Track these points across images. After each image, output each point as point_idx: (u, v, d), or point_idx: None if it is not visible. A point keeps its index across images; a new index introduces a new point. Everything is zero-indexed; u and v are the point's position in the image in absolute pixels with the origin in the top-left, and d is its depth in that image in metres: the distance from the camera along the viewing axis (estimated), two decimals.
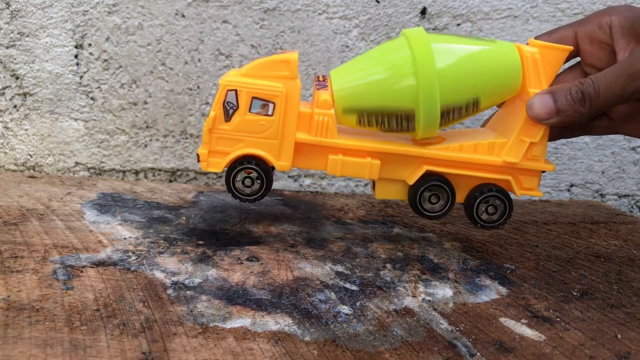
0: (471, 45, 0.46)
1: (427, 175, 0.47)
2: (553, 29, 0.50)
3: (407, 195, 0.48)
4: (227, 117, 0.45)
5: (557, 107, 0.44)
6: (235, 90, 0.45)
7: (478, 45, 0.46)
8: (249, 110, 0.45)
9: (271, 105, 0.45)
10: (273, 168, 0.47)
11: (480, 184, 0.48)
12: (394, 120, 0.46)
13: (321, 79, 0.49)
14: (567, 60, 0.49)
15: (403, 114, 0.45)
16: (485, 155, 0.47)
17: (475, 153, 0.47)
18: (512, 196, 0.48)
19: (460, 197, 0.48)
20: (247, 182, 0.47)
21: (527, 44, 0.47)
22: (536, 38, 0.48)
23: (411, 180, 0.47)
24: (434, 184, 0.47)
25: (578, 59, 0.50)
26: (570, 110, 0.44)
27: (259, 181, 0.47)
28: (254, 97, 0.45)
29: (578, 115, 0.44)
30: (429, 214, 0.48)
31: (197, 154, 0.47)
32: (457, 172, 0.47)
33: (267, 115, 0.45)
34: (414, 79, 0.44)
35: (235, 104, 0.45)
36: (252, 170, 0.46)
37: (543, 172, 0.48)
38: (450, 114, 0.46)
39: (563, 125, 0.47)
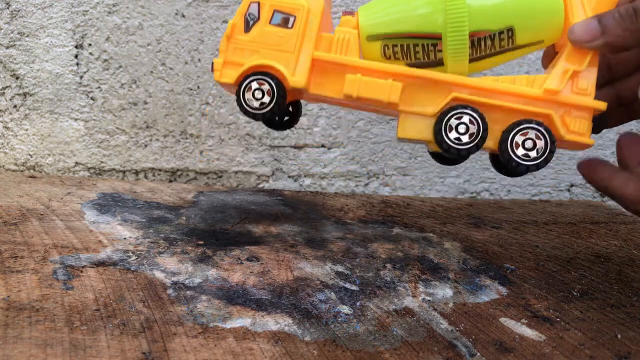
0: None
1: (457, 103, 0.43)
2: None
3: (431, 133, 0.44)
4: (247, 27, 0.45)
5: (603, 27, 0.40)
6: (258, 3, 0.44)
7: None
8: (270, 22, 0.45)
9: (292, 19, 0.45)
10: (285, 87, 0.45)
11: (516, 120, 0.42)
12: (420, 48, 0.43)
13: (349, 11, 0.48)
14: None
15: (429, 39, 0.42)
16: (524, 86, 0.42)
17: (512, 83, 0.43)
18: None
19: (494, 138, 0.43)
20: (258, 93, 0.45)
21: None
22: None
23: (436, 108, 0.43)
24: (462, 111, 0.42)
25: None
26: (618, 29, 0.39)
27: (270, 94, 0.45)
28: (275, 10, 0.45)
29: (628, 34, 0.39)
30: (455, 146, 0.42)
31: (212, 63, 0.46)
32: (490, 101, 0.42)
33: (287, 27, 0.45)
34: (440, 1, 0.42)
35: (257, 16, 0.45)
36: (264, 82, 0.45)
37: (594, 116, 0.42)
38: (482, 42, 0.42)
39: (610, 52, 0.42)
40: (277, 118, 0.51)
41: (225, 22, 0.67)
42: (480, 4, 0.42)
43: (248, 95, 0.45)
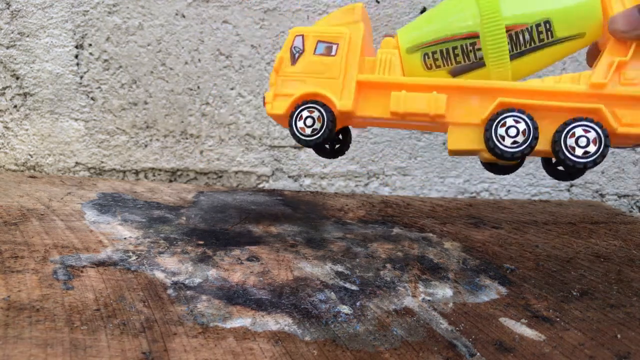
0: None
1: (502, 110, 0.42)
2: None
3: (482, 142, 0.43)
4: (293, 60, 0.47)
5: None
6: (302, 35, 0.47)
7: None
8: (314, 53, 0.47)
9: (334, 47, 0.46)
10: (334, 114, 0.46)
11: (567, 120, 0.41)
12: (459, 50, 0.43)
13: (389, 34, 0.50)
14: None
15: (467, 39, 0.42)
16: (569, 83, 0.42)
17: (557, 83, 0.42)
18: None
19: (546, 141, 0.42)
20: (309, 121, 0.47)
21: None
22: None
23: (483, 114, 0.43)
24: (509, 115, 0.42)
25: None
26: None
27: (320, 120, 0.47)
28: (319, 41, 0.47)
29: None
30: (508, 149, 0.42)
31: (264, 97, 0.48)
32: (536, 102, 0.42)
33: (331, 55, 0.46)
34: (474, 4, 0.42)
35: (302, 48, 0.47)
36: (314, 110, 0.47)
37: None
38: (520, 36, 0.42)
39: None
40: (328, 145, 0.52)
41: (226, 22, 0.67)
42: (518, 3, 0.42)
43: (300, 124, 0.47)
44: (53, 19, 0.65)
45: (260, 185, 0.72)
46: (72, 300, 0.37)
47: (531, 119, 0.42)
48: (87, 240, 0.47)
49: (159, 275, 0.42)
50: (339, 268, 0.46)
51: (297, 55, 0.47)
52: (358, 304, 0.41)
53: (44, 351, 0.32)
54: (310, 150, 0.72)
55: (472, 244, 0.53)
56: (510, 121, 0.42)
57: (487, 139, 0.42)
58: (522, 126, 0.42)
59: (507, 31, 0.42)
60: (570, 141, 0.41)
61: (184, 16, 0.66)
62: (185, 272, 0.43)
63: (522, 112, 0.42)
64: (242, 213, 0.56)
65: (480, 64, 0.43)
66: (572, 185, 0.75)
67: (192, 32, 0.67)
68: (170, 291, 0.40)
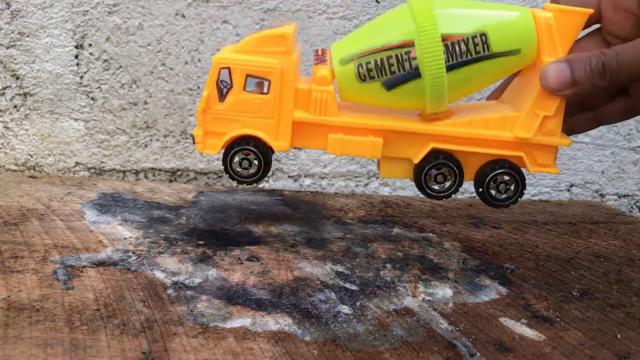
0: (480, 10, 0.43)
1: (434, 153, 0.45)
2: None
3: (413, 174, 0.46)
4: (221, 96, 0.44)
5: (574, 78, 0.41)
6: (229, 68, 0.43)
7: (487, 9, 0.43)
8: (244, 89, 0.44)
9: (266, 83, 0.43)
10: (272, 149, 0.46)
11: (491, 160, 0.46)
12: (394, 60, 0.42)
13: (320, 52, 0.47)
14: (588, 26, 0.45)
15: (402, 47, 0.42)
16: (496, 130, 0.44)
17: (485, 128, 0.45)
18: (526, 173, 0.46)
19: (470, 175, 0.46)
20: (245, 163, 0.45)
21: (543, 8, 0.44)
22: (556, 0, 0.45)
23: (416, 159, 0.45)
24: (440, 162, 0.45)
25: (598, 25, 0.46)
26: (587, 83, 0.41)
27: (256, 162, 0.45)
28: (248, 75, 0.43)
29: (595, 89, 0.41)
30: (435, 194, 0.46)
31: (192, 135, 0.45)
32: (466, 149, 0.45)
33: (263, 93, 0.44)
34: (410, 14, 0.42)
35: (229, 83, 0.44)
36: (249, 152, 0.45)
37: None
38: (456, 47, 0.42)
39: (577, 98, 0.44)
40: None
41: (226, 22, 0.67)
42: (449, 8, 0.42)
43: (236, 167, 0.46)
44: (53, 19, 0.65)
45: (260, 185, 0.72)
46: (72, 300, 0.37)
47: (459, 167, 0.45)
48: (87, 240, 0.47)
49: (159, 275, 0.42)
50: (339, 268, 0.46)
51: (225, 90, 0.44)
52: (358, 304, 0.41)
53: (44, 351, 0.32)
54: (311, 150, 0.72)
55: (472, 244, 0.53)
56: (440, 169, 0.46)
57: (417, 180, 0.46)
58: (450, 176, 0.46)
59: (443, 40, 0.42)
60: (491, 185, 0.46)
61: (184, 16, 0.66)
62: (185, 272, 0.43)
63: (452, 161, 0.45)
64: (242, 213, 0.56)
65: (415, 74, 0.42)
66: (572, 185, 0.76)
67: (192, 32, 0.67)
68: (170, 291, 0.40)
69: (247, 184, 0.47)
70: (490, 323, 0.39)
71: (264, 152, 0.45)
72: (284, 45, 0.43)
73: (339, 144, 0.45)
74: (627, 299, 0.44)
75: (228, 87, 0.44)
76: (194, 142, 0.45)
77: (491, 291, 0.44)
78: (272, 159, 0.46)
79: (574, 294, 0.45)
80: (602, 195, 0.76)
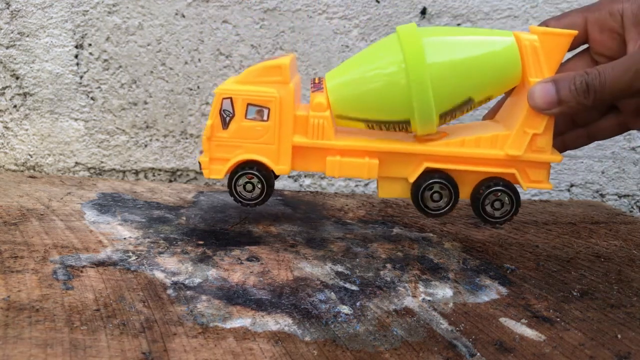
0: (465, 37, 0.45)
1: (429, 172, 0.47)
2: (563, 14, 0.48)
3: (410, 193, 0.48)
4: (225, 124, 0.46)
5: (559, 97, 0.43)
6: (231, 98, 0.46)
7: (472, 36, 0.45)
8: (245, 117, 0.46)
9: (266, 111, 0.46)
10: (273, 172, 0.48)
11: (485, 178, 0.47)
12: (391, 126, 0.46)
13: (317, 81, 0.49)
14: (576, 47, 0.47)
15: (399, 122, 0.46)
16: (488, 149, 0.46)
17: (477, 147, 0.46)
18: (520, 190, 0.47)
19: (465, 192, 0.48)
20: (249, 187, 0.48)
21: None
22: (545, 22, 0.47)
23: (412, 178, 0.47)
24: (435, 182, 0.47)
25: (586, 45, 0.48)
26: (573, 101, 0.42)
27: (259, 186, 0.48)
28: (249, 104, 0.46)
29: (581, 107, 0.42)
30: (432, 212, 0.48)
31: (199, 162, 0.48)
32: (459, 167, 0.46)
33: (263, 120, 0.46)
34: (406, 91, 0.44)
35: (232, 112, 0.46)
36: (252, 176, 0.47)
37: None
38: (447, 117, 0.46)
39: (565, 116, 0.45)
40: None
41: (226, 22, 0.67)
42: (443, 83, 0.44)
43: (240, 190, 0.48)
44: (53, 18, 0.65)
45: None
46: (71, 300, 0.37)
47: (454, 186, 0.47)
48: (86, 240, 0.47)
49: (159, 275, 0.42)
50: (339, 268, 0.46)
51: (227, 119, 0.46)
52: (358, 304, 0.41)
53: (43, 351, 0.32)
54: None
55: (472, 244, 0.53)
56: (434, 187, 0.47)
57: (414, 200, 0.47)
58: (445, 193, 0.47)
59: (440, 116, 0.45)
60: (487, 204, 0.47)
61: (183, 16, 0.66)
62: (185, 272, 0.43)
63: (449, 181, 0.47)
64: (242, 213, 0.56)
65: (409, 130, 0.47)
66: (572, 185, 0.75)
67: (192, 32, 0.67)
68: (170, 291, 0.40)
69: (250, 207, 0.49)
70: (490, 323, 0.39)
71: (266, 176, 0.48)
72: (281, 75, 0.46)
73: (337, 166, 0.47)
74: (628, 299, 0.44)
75: (230, 115, 0.46)
76: (200, 169, 0.48)
77: (491, 291, 0.44)
78: (274, 182, 0.49)
79: (574, 294, 0.45)
80: (602, 195, 0.76)
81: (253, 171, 0.47)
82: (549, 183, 0.47)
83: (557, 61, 0.45)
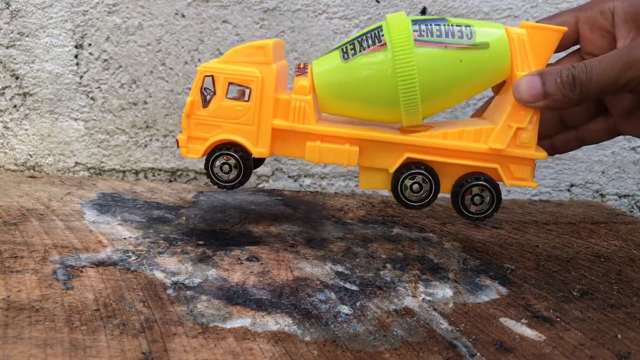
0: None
1: (409, 163, 0.46)
2: (554, 14, 0.48)
3: (390, 184, 0.47)
4: (205, 102, 0.46)
5: (545, 90, 0.42)
6: (212, 76, 0.45)
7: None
8: (226, 96, 0.45)
9: (247, 91, 0.45)
10: (251, 165, 0.47)
11: (467, 173, 0.46)
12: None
13: (302, 66, 0.49)
14: (567, 47, 0.47)
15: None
16: (471, 142, 0.45)
17: (460, 140, 0.46)
18: (504, 188, 0.47)
19: (446, 187, 0.47)
20: (225, 168, 0.47)
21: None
22: (537, 22, 0.47)
23: (392, 168, 0.46)
24: (415, 172, 0.46)
25: (578, 46, 0.48)
26: (559, 95, 0.42)
27: (237, 168, 0.47)
28: (230, 83, 0.45)
29: (566, 100, 0.42)
30: (411, 203, 0.47)
31: (177, 140, 0.47)
32: (440, 159, 0.46)
33: (244, 100, 0.45)
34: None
35: (213, 90, 0.45)
36: (230, 157, 0.47)
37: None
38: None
39: (550, 110, 0.45)
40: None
41: (226, 22, 0.67)
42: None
43: (217, 171, 0.47)
44: (53, 18, 0.65)
45: (260, 185, 0.72)
46: (71, 300, 0.37)
47: (435, 177, 0.46)
48: (86, 240, 0.47)
49: (159, 275, 0.42)
50: (339, 268, 0.46)
51: (208, 97, 0.46)
52: (358, 304, 0.41)
53: (43, 351, 0.32)
54: None
55: (472, 244, 0.53)
56: (415, 178, 0.46)
57: (393, 189, 0.47)
58: (425, 185, 0.46)
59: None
60: (467, 198, 0.46)
61: (183, 16, 0.66)
62: (185, 272, 0.43)
63: (428, 171, 0.46)
64: (242, 213, 0.56)
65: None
66: (572, 185, 0.75)
67: (191, 32, 0.67)
68: (170, 291, 0.40)
69: (227, 189, 0.48)
70: (490, 323, 0.39)
71: (244, 158, 0.47)
72: (264, 56, 0.45)
73: (316, 151, 0.46)
74: (628, 299, 0.44)
75: (211, 94, 0.46)
76: (178, 147, 0.47)
77: (491, 291, 0.44)
78: (252, 165, 0.48)
79: (574, 294, 0.45)
80: (602, 195, 0.76)
81: (230, 152, 0.46)
82: (533, 181, 0.46)
83: (546, 57, 0.45)
